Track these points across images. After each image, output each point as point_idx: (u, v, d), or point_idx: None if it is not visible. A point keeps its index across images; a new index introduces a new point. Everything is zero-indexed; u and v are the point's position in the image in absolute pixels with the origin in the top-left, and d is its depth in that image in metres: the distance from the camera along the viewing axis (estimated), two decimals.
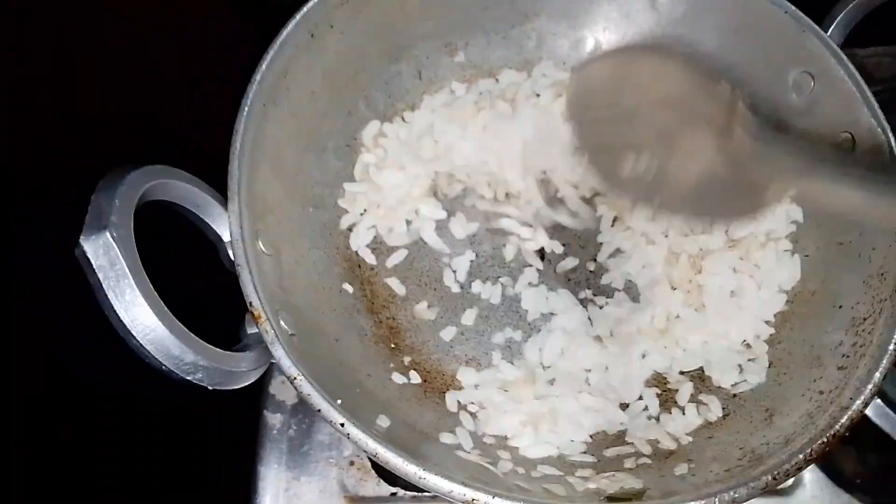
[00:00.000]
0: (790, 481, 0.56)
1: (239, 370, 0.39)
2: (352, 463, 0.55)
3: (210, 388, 0.37)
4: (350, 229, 0.56)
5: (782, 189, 0.46)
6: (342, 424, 0.38)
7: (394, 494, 0.54)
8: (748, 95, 0.58)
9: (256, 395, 0.57)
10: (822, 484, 0.56)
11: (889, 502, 0.55)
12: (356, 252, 0.56)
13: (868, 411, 0.51)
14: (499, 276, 0.56)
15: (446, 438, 0.47)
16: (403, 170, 0.57)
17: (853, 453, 0.57)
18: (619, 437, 0.49)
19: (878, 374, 0.41)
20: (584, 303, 0.55)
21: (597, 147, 0.48)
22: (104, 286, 0.34)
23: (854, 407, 0.41)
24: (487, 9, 0.62)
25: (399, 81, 0.61)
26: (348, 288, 0.54)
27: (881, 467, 0.55)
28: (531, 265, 0.56)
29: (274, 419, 0.56)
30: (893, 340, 0.43)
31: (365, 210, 0.56)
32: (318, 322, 0.50)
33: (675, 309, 0.54)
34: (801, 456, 0.39)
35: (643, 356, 0.52)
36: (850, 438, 0.56)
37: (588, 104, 0.49)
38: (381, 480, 0.54)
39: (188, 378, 0.36)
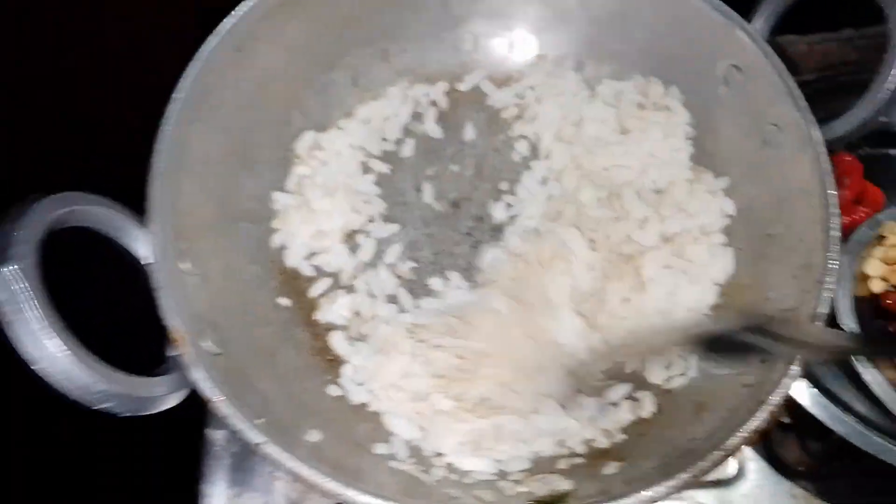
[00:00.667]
0: (734, 471, 0.57)
1: (155, 395, 0.39)
2: None
3: (122, 415, 0.37)
4: (283, 247, 0.56)
5: None
6: (258, 444, 0.39)
7: None
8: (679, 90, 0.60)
9: (199, 413, 0.57)
10: (765, 473, 0.57)
11: (830, 488, 0.56)
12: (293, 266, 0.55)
13: (805, 401, 0.52)
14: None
15: (380, 449, 0.47)
16: (332, 196, 0.56)
17: (795, 441, 0.58)
18: (558, 441, 0.49)
19: (793, 368, 0.42)
20: None
21: None
22: (8, 319, 0.34)
23: (770, 401, 0.41)
24: (419, 12, 0.62)
25: (334, 89, 0.61)
26: (285, 301, 0.54)
27: (822, 455, 0.56)
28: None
29: (217, 435, 0.56)
30: None
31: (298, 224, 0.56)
32: (252, 338, 0.50)
33: (615, 311, 0.54)
34: (721, 451, 0.40)
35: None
36: (791, 427, 0.58)
37: None
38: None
39: (99, 407, 0.36)
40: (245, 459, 0.55)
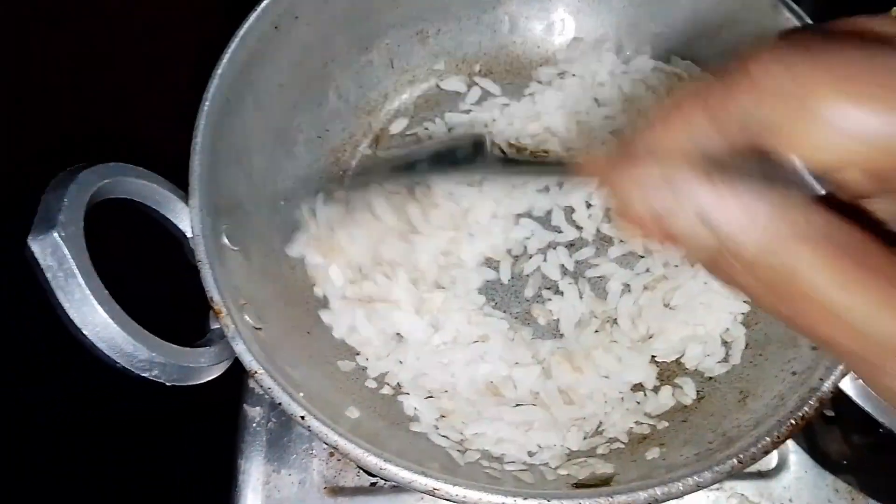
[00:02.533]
0: (773, 463, 0.55)
1: (198, 366, 0.39)
2: (332, 454, 0.55)
3: (168, 384, 0.37)
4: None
5: None
6: (302, 417, 0.38)
7: (374, 485, 0.54)
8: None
9: (236, 389, 0.57)
10: (807, 465, 0.55)
11: (873, 483, 0.54)
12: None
13: (851, 392, 0.51)
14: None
15: (416, 427, 0.47)
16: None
17: (838, 434, 0.56)
18: (597, 430, 0.49)
19: None
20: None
21: None
22: (53, 286, 0.34)
23: (823, 388, 0.40)
24: None
25: (371, 71, 0.61)
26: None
27: (865, 448, 0.55)
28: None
29: (254, 412, 0.56)
30: None
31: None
32: (290, 315, 0.50)
33: (653, 308, 0.53)
34: (767, 438, 0.39)
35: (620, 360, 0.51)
36: (835, 419, 0.56)
37: None
38: (361, 471, 0.55)
39: (144, 375, 0.36)
40: (282, 436, 0.55)
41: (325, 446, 0.55)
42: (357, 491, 0.54)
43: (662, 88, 0.59)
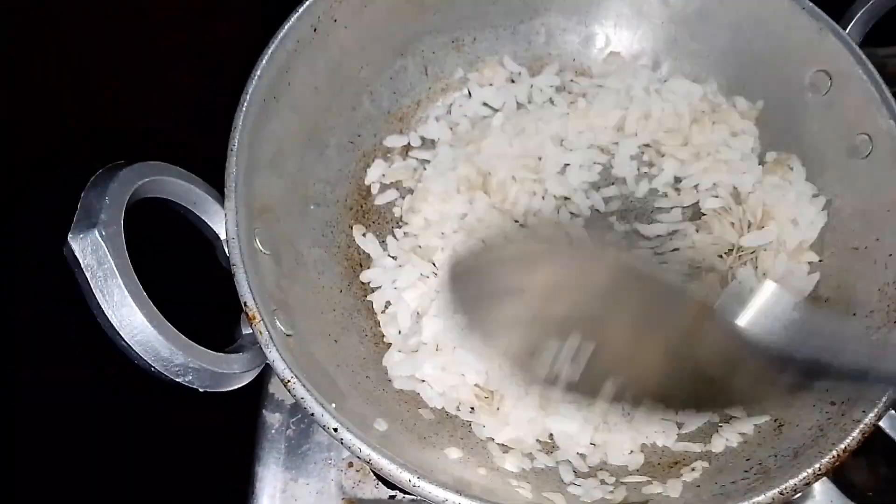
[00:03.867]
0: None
1: (231, 372, 0.38)
2: (350, 465, 0.54)
3: (201, 390, 0.36)
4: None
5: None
6: (335, 429, 0.38)
7: (392, 497, 0.53)
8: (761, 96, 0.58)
9: (256, 395, 0.56)
10: (832, 495, 0.55)
11: None
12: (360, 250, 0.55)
13: (882, 422, 0.50)
14: None
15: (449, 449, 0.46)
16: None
17: (864, 465, 0.55)
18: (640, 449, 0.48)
19: (892, 389, 0.40)
20: None
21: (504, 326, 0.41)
22: (91, 286, 0.33)
23: (866, 420, 0.39)
24: (496, 2, 0.60)
25: (404, 77, 0.60)
26: (349, 287, 0.53)
27: (891, 480, 0.54)
28: None
29: (273, 419, 0.55)
30: None
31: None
32: (317, 322, 0.49)
33: None
34: (809, 470, 0.38)
35: None
36: (862, 450, 0.55)
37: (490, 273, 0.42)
38: (380, 483, 0.54)
39: (178, 380, 0.35)
40: (300, 444, 0.54)
41: (344, 457, 0.54)
42: (375, 503, 0.53)
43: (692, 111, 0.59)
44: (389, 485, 0.53)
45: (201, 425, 0.55)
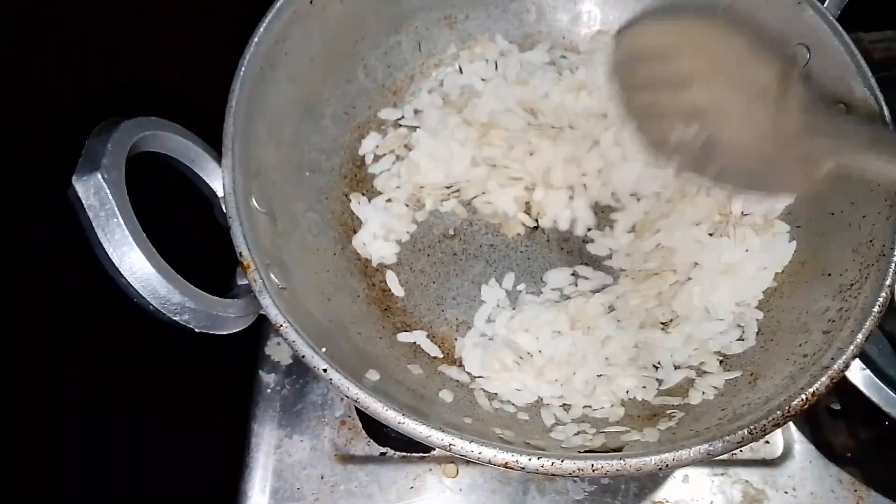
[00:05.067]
0: (778, 451, 0.56)
1: (226, 315, 0.40)
2: (343, 423, 0.56)
3: (197, 330, 0.38)
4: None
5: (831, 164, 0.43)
6: (324, 370, 0.39)
7: (383, 454, 0.55)
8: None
9: (252, 355, 0.58)
10: (812, 456, 0.56)
11: (877, 476, 0.55)
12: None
13: (858, 383, 0.51)
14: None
15: (442, 395, 0.48)
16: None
17: (843, 427, 0.57)
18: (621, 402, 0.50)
19: (860, 336, 0.41)
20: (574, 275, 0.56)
21: (644, 113, 0.46)
22: (94, 225, 0.35)
23: (834, 367, 0.41)
24: None
25: (398, 52, 0.62)
26: (342, 251, 0.55)
27: (871, 441, 0.55)
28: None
29: (268, 379, 0.57)
30: (877, 303, 0.43)
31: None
32: (311, 281, 0.51)
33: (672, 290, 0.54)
34: (778, 412, 0.40)
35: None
36: (841, 412, 0.57)
37: (635, 68, 0.46)
38: (371, 440, 0.55)
39: (175, 318, 0.37)
40: (295, 403, 0.56)
41: (337, 415, 0.56)
42: (367, 459, 0.55)
43: None
44: (380, 441, 0.55)
45: (199, 386, 0.57)
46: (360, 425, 0.56)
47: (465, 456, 0.38)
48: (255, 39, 0.50)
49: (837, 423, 0.57)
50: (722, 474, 0.55)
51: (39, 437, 0.58)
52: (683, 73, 0.45)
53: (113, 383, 0.58)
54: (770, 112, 0.44)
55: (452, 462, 0.54)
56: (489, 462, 0.38)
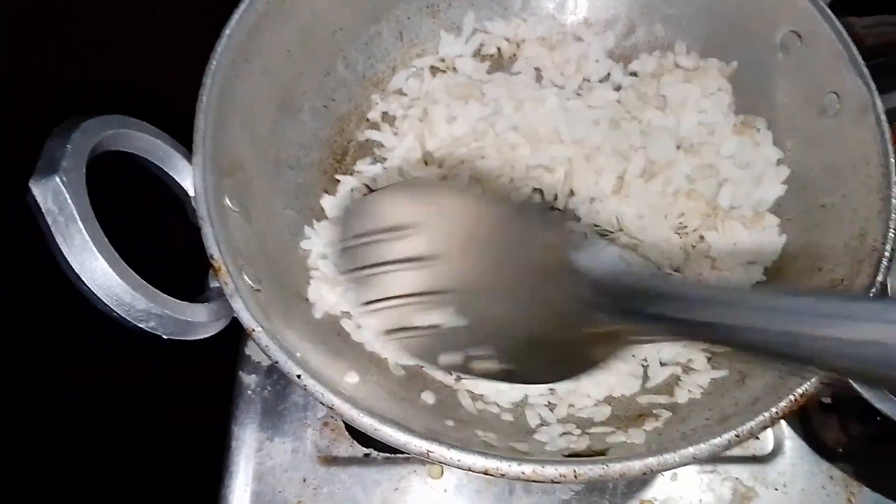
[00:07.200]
0: (769, 448, 0.55)
1: (196, 321, 0.38)
2: (326, 424, 0.55)
3: (165, 336, 0.37)
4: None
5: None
6: (299, 376, 0.38)
7: (367, 455, 0.54)
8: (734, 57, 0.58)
9: (232, 356, 0.57)
10: (803, 452, 0.55)
11: (868, 471, 0.54)
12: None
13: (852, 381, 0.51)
14: None
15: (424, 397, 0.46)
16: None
17: (835, 422, 0.56)
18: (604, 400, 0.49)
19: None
20: None
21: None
22: (53, 231, 0.33)
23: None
24: None
25: (379, 42, 0.61)
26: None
27: (862, 436, 0.54)
28: None
29: (249, 380, 0.56)
30: None
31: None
32: (289, 281, 0.49)
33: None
34: (766, 414, 0.39)
35: None
36: (832, 407, 0.56)
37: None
38: (355, 441, 0.54)
39: (141, 325, 0.36)
40: (276, 405, 0.55)
41: (320, 416, 0.55)
42: (350, 461, 0.54)
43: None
44: (364, 442, 0.54)
45: (179, 387, 0.56)
46: (343, 426, 0.55)
47: (444, 463, 0.37)
48: (228, 31, 0.48)
49: (829, 419, 0.56)
50: (711, 471, 0.54)
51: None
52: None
53: (109, 383, 0.56)
54: (536, 290, 0.39)
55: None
56: (469, 469, 0.37)
